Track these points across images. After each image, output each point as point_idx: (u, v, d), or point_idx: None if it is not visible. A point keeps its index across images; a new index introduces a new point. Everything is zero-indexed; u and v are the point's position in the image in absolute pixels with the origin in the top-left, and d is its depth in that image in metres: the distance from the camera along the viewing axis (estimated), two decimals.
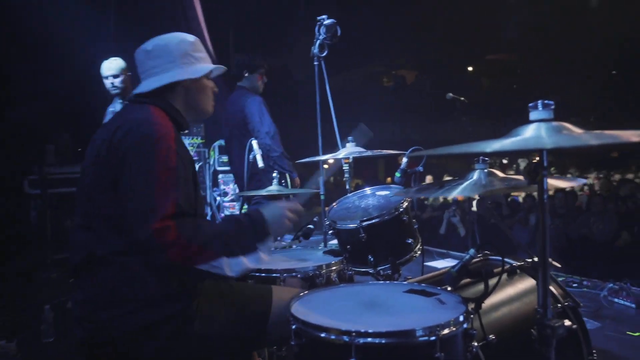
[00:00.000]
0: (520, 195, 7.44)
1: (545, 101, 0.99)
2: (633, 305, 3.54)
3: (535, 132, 0.97)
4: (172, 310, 1.35)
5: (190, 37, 1.61)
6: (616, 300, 3.64)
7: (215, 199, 6.00)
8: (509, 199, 7.30)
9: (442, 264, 4.95)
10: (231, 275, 1.34)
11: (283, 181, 3.38)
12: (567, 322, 1.04)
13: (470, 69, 16.49)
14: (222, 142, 5.81)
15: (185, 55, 1.55)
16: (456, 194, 1.36)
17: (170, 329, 1.34)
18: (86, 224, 1.39)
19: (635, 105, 11.10)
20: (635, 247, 4.90)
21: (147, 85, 1.53)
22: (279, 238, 1.53)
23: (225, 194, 6.02)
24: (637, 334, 3.06)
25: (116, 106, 3.61)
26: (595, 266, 4.68)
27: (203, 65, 1.59)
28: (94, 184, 1.39)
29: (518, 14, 11.02)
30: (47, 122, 5.81)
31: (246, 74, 3.59)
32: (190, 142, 6.06)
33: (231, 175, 5.92)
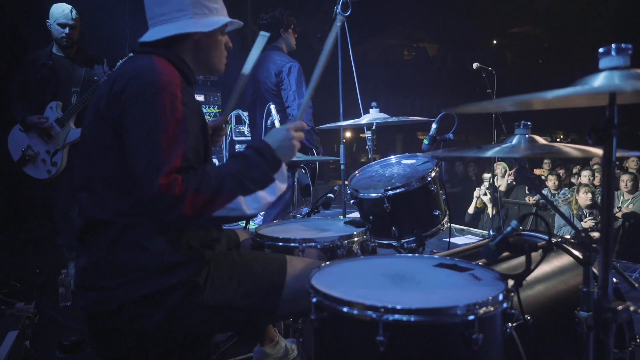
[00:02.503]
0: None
1: (622, 44, 0.83)
2: None
3: (606, 81, 0.82)
4: (178, 278, 1.26)
5: None
6: None
7: None
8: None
9: (463, 240, 4.83)
10: (252, 214, 1.25)
11: (309, 154, 3.24)
12: (632, 307, 0.90)
13: (494, 42, 15.90)
14: (239, 111, 5.69)
15: (197, 4, 1.40)
16: (492, 153, 1.22)
17: (176, 298, 1.26)
18: (87, 187, 1.29)
19: None
20: None
21: (152, 34, 1.39)
22: (294, 157, 1.40)
23: None
24: None
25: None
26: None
27: (217, 17, 1.44)
28: (94, 143, 1.28)
29: None
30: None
31: (283, 33, 3.28)
32: (207, 112, 5.95)
33: None
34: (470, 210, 6.38)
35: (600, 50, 0.86)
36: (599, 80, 0.84)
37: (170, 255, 1.26)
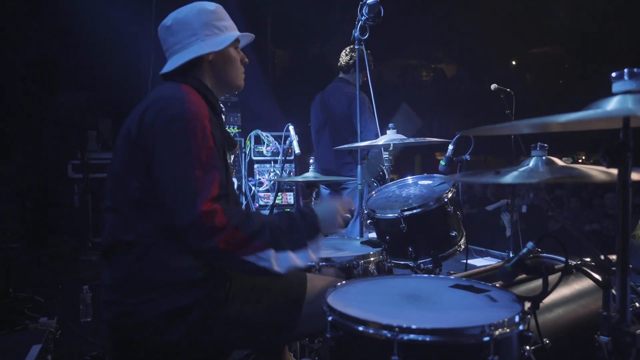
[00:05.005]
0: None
1: (635, 69, 0.84)
2: None
3: (619, 105, 0.83)
4: (200, 294, 1.29)
5: (211, 5, 1.49)
6: None
7: (250, 189, 6.00)
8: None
9: (481, 262, 4.75)
10: (278, 271, 1.25)
11: (381, 173, 3.34)
12: None
13: (513, 62, 15.84)
14: (258, 131, 5.78)
15: (207, 26, 1.45)
16: (511, 179, 1.22)
17: (198, 314, 1.28)
18: (114, 208, 1.34)
19: None
20: None
21: (170, 64, 1.45)
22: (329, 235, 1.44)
23: (261, 184, 6.01)
24: None
25: None
26: None
27: (227, 34, 1.48)
28: (124, 167, 1.33)
29: (564, 4, 10.44)
30: (90, 108, 5.97)
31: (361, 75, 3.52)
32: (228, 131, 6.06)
33: (266, 165, 5.90)
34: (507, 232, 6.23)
35: (613, 74, 0.88)
36: (612, 104, 0.85)
37: (193, 272, 1.29)
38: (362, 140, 3.11)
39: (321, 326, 1.19)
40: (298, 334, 1.47)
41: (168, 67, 1.45)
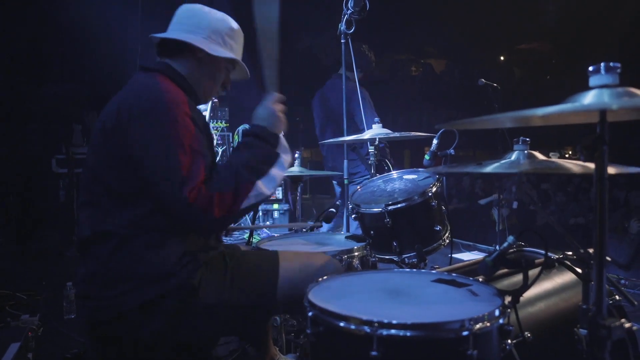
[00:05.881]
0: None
1: (610, 63, 0.84)
2: None
3: (596, 99, 0.83)
4: (173, 283, 1.28)
5: (234, 24, 1.53)
6: None
7: None
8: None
9: (468, 256, 4.79)
10: (271, 193, 1.33)
11: (386, 167, 3.34)
12: (626, 323, 0.90)
13: (502, 58, 15.93)
14: (246, 126, 5.75)
15: (216, 33, 1.47)
16: (491, 169, 1.23)
17: (173, 304, 1.28)
18: (91, 202, 1.33)
19: None
20: None
21: (166, 34, 1.47)
22: (283, 133, 1.47)
23: None
24: None
25: None
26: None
27: (227, 51, 1.50)
28: (101, 160, 1.32)
29: (552, 0, 10.50)
30: (76, 101, 5.87)
31: (359, 72, 3.41)
32: (214, 126, 6.01)
33: None
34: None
35: (590, 68, 0.87)
36: (589, 98, 0.85)
37: (165, 263, 1.28)
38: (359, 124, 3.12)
39: (299, 300, 1.19)
40: (277, 309, 1.52)
41: (161, 34, 1.47)
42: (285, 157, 1.38)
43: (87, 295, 1.30)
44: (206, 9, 1.51)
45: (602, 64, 0.85)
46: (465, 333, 0.98)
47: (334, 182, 3.71)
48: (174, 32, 1.47)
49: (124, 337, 1.28)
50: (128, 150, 1.26)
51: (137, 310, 1.26)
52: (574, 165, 1.21)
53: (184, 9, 1.51)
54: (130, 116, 1.26)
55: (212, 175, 1.27)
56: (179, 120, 1.26)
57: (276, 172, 1.34)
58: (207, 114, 4.73)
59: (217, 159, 5.68)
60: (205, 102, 1.61)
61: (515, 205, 6.17)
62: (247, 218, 4.81)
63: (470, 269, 1.61)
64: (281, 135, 1.42)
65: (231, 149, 6.03)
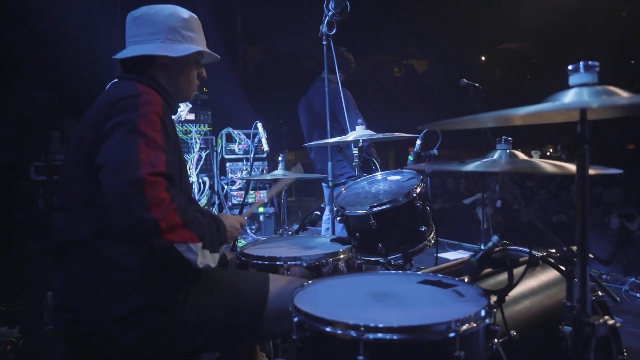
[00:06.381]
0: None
1: (589, 62, 0.84)
2: None
3: (576, 97, 0.83)
4: (154, 297, 1.24)
5: (185, 13, 1.47)
6: (638, 295, 3.48)
7: (222, 187, 5.92)
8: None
9: (454, 255, 4.82)
10: (197, 266, 1.20)
11: (373, 167, 3.33)
12: (610, 320, 0.90)
13: (482, 58, 16.15)
14: (229, 129, 5.71)
15: (171, 31, 1.42)
16: (473, 168, 1.23)
17: (154, 317, 1.24)
18: (63, 207, 1.29)
19: None
20: None
21: (125, 52, 1.42)
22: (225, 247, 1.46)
23: (233, 182, 5.93)
24: None
25: None
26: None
27: (189, 45, 1.45)
28: (74, 165, 1.28)
29: (531, 1, 10.68)
30: (53, 107, 5.75)
31: (341, 74, 3.47)
32: (198, 130, 5.96)
33: (239, 163, 5.83)
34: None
35: (570, 67, 0.88)
36: (569, 97, 0.85)
37: (145, 273, 1.25)
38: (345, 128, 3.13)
39: (288, 326, 1.16)
40: (265, 334, 1.45)
41: (122, 54, 1.43)
42: (213, 261, 1.28)
43: (62, 307, 1.26)
44: (152, 10, 1.44)
45: (582, 63, 0.86)
46: (451, 335, 0.98)
47: (324, 185, 3.72)
48: (131, 48, 1.43)
49: (101, 350, 1.24)
50: (97, 148, 1.22)
51: (115, 323, 1.22)
52: (550, 165, 1.22)
53: (132, 18, 1.45)
54: (106, 120, 1.23)
55: (182, 198, 1.20)
56: (149, 116, 1.22)
57: (212, 258, 1.26)
58: (185, 113, 4.62)
59: (201, 163, 5.63)
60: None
61: (499, 204, 6.23)
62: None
63: (456, 269, 1.61)
64: (221, 248, 1.37)
65: (215, 153, 5.99)
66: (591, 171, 0.98)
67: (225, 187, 5.91)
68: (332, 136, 3.27)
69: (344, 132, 3.14)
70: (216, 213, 1.48)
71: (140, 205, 1.09)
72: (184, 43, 1.44)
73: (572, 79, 0.87)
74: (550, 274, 1.66)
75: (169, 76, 1.46)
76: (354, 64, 3.70)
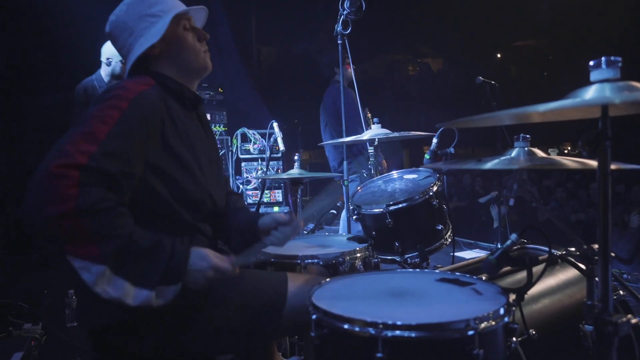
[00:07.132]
0: None
1: (611, 57, 0.84)
2: None
3: (597, 93, 0.82)
4: (172, 300, 1.24)
5: None
6: None
7: (238, 187, 5.96)
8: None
9: (470, 254, 4.78)
10: (97, 292, 1.02)
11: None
12: (633, 319, 0.89)
13: (498, 56, 15.95)
14: (244, 129, 5.75)
15: (140, 19, 1.33)
16: (490, 166, 1.22)
17: (175, 320, 1.25)
18: None
19: None
20: None
21: (127, 68, 1.39)
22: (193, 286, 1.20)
23: (248, 182, 5.97)
24: None
25: None
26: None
27: (163, 19, 1.33)
28: None
29: None
30: (68, 113, 5.87)
31: (336, 69, 3.72)
32: (213, 130, 6.01)
33: (254, 163, 5.87)
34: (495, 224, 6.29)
35: (591, 63, 0.87)
36: (590, 93, 0.85)
37: None
38: (348, 135, 3.15)
39: (307, 323, 1.15)
40: (282, 333, 1.45)
41: (127, 73, 1.39)
42: (155, 300, 1.10)
43: (84, 304, 1.28)
44: (112, 16, 1.37)
45: (603, 58, 0.85)
46: (470, 332, 0.97)
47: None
48: (128, 61, 1.36)
49: (123, 347, 1.25)
50: None
51: (138, 321, 1.22)
52: (571, 162, 1.21)
53: (107, 36, 1.39)
54: None
55: (111, 203, 1.04)
56: (103, 109, 1.14)
57: (127, 291, 1.04)
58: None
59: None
60: (207, 69, 1.42)
61: (512, 202, 6.13)
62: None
63: (474, 268, 1.60)
64: (178, 286, 1.15)
65: (230, 152, 6.03)
66: (612, 166, 0.97)
67: (241, 186, 5.95)
68: (339, 135, 3.32)
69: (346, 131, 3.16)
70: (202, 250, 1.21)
71: (35, 200, 0.97)
72: (158, 21, 1.33)
73: (594, 75, 0.86)
74: (570, 273, 1.64)
75: (170, 60, 1.37)
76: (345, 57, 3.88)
